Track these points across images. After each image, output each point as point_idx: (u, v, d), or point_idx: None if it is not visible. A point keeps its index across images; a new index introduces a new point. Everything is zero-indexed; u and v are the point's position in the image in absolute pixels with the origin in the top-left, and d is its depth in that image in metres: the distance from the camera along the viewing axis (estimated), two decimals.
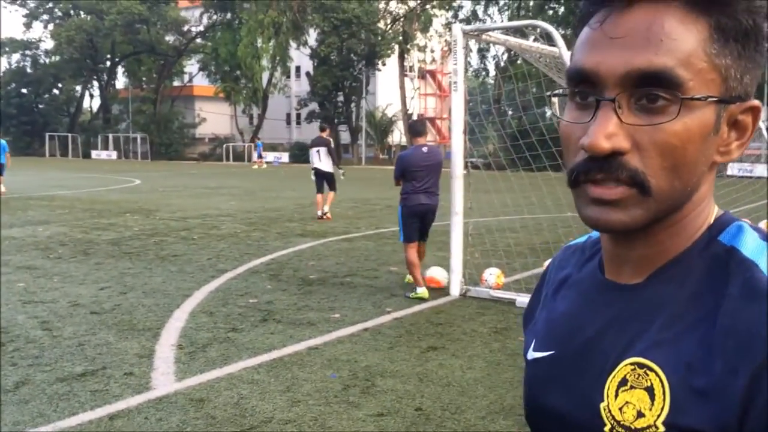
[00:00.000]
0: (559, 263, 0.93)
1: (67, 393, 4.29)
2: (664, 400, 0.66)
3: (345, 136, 56.36)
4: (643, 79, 0.66)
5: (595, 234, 0.89)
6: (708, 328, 0.66)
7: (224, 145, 59.83)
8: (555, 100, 0.79)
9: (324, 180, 13.88)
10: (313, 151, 13.92)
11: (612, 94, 0.67)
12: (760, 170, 26.74)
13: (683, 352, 0.67)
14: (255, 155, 48.06)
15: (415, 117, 54.18)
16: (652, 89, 0.66)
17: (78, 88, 69.10)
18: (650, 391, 0.67)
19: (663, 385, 0.66)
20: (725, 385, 0.63)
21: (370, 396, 4.28)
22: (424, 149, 7.26)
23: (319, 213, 13.96)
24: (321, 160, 13.75)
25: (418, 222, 7.22)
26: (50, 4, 63.89)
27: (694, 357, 0.66)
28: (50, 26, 64.96)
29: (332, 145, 14.21)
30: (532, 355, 0.85)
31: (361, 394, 4.32)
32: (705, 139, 0.68)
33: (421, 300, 6.88)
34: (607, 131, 0.66)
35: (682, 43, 0.66)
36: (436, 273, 7.48)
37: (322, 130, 14.55)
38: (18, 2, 64.07)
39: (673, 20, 0.67)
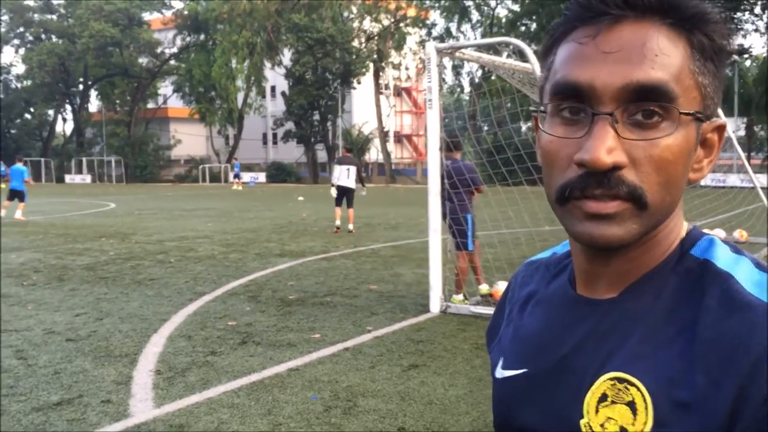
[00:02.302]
0: (522, 279, 0.92)
1: (43, 423, 4.20)
2: (646, 414, 0.65)
3: (322, 155, 56.41)
4: (641, 93, 0.66)
5: (559, 249, 0.89)
6: (687, 341, 0.66)
7: (200, 167, 59.58)
8: (537, 115, 0.78)
9: (345, 196, 14.71)
10: (343, 168, 14.65)
11: (608, 108, 0.67)
12: (732, 180, 27.19)
13: (663, 365, 0.66)
14: (231, 176, 48.13)
15: (391, 134, 54.49)
16: (649, 103, 0.67)
17: (50, 112, 68.45)
18: (632, 405, 0.66)
19: (645, 399, 0.66)
20: (709, 398, 0.63)
21: (353, 417, 4.25)
22: (447, 162, 7.56)
23: (338, 223, 14.86)
24: (349, 178, 14.59)
25: (453, 232, 7.63)
26: (21, 29, 63.39)
27: (675, 370, 0.65)
28: (21, 50, 64.44)
29: (361, 166, 15.54)
30: (501, 373, 0.84)
31: (343, 414, 4.28)
32: (690, 156, 0.70)
33: (403, 315, 6.86)
34: (607, 146, 0.66)
35: (674, 59, 0.67)
36: (502, 287, 7.49)
37: (348, 150, 16.19)
38: None
39: (664, 37, 0.67)
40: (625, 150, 0.67)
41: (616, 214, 0.68)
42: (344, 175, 14.55)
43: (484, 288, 7.62)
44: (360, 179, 14.87)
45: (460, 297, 7.42)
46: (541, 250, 0.95)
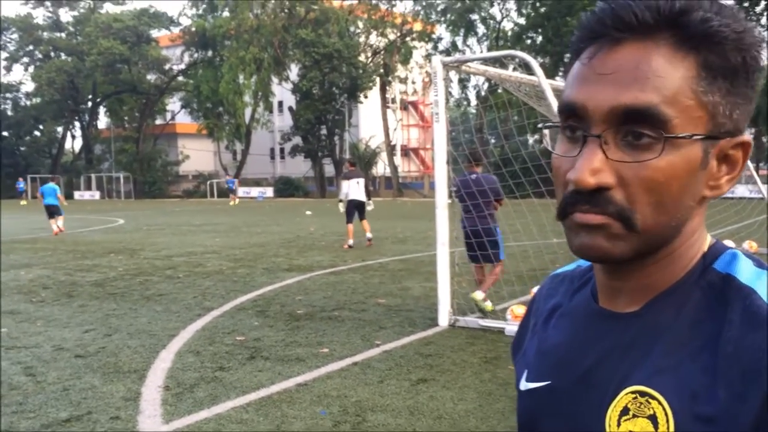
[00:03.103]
0: (547, 292, 0.92)
1: None
2: (668, 428, 0.65)
3: (329, 169, 56.55)
4: (629, 116, 0.67)
5: (583, 263, 0.89)
6: (710, 356, 0.66)
7: (208, 182, 59.81)
8: (546, 131, 0.79)
9: (357, 210, 14.74)
10: (353, 182, 14.70)
11: (598, 130, 0.68)
12: (740, 191, 27.02)
13: (685, 379, 0.66)
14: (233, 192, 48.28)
15: (398, 148, 54.60)
16: (636, 126, 0.67)
17: (59, 129, 68.99)
18: (653, 419, 0.66)
19: (666, 413, 0.66)
20: (732, 412, 0.63)
21: (361, 431, 4.23)
22: (471, 177, 7.70)
23: (351, 242, 14.78)
24: (360, 191, 14.64)
25: (470, 243, 7.71)
26: (30, 47, 64.02)
27: (698, 384, 0.65)
28: (31, 68, 65.04)
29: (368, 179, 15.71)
30: (525, 386, 0.84)
31: (352, 429, 4.26)
32: (692, 175, 0.69)
33: (411, 329, 6.84)
34: (592, 167, 0.67)
35: (669, 80, 0.67)
36: (519, 311, 7.28)
37: (353, 164, 16.05)
38: None
39: (661, 58, 0.67)
40: (615, 171, 0.67)
41: (603, 225, 0.68)
42: (355, 189, 14.61)
43: (477, 295, 7.54)
44: (367, 192, 14.90)
45: (481, 296, 7.49)
46: (549, 264, 0.95)
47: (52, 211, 20.46)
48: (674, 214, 0.70)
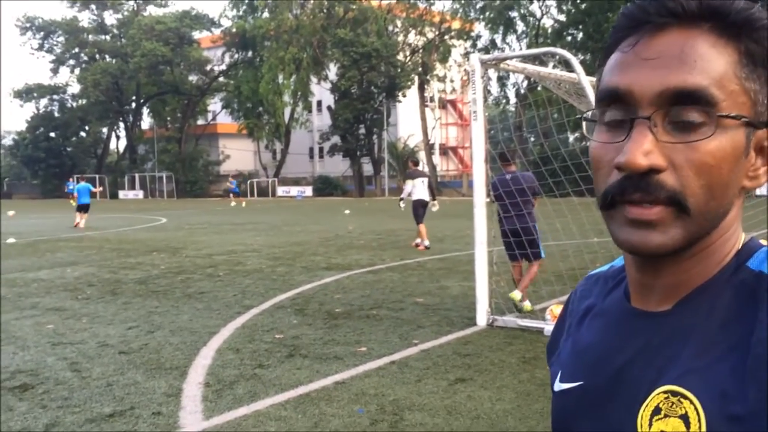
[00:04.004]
0: (581, 292, 0.92)
1: None
2: (699, 428, 0.65)
3: (368, 168, 56.70)
4: (678, 97, 0.67)
5: (617, 263, 0.89)
6: (740, 355, 0.65)
7: (248, 181, 60.47)
8: (584, 123, 0.79)
9: (424, 210, 14.30)
10: (418, 182, 14.36)
11: (647, 112, 0.68)
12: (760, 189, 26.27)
13: (717, 379, 0.66)
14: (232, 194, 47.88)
15: (437, 147, 54.49)
16: (687, 107, 0.67)
17: (104, 129, 70.53)
18: (685, 419, 0.66)
19: (698, 413, 0.65)
20: (762, 411, 0.62)
21: (399, 430, 4.23)
22: (507, 176, 7.71)
23: (427, 243, 14.21)
24: (424, 191, 14.28)
25: (509, 242, 7.73)
26: (76, 49, 65.56)
27: (728, 384, 0.65)
28: (77, 71, 66.65)
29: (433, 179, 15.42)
30: (559, 386, 0.85)
31: (390, 428, 4.27)
32: (737, 161, 0.68)
33: (449, 329, 6.82)
34: (644, 148, 0.66)
35: (715, 64, 0.67)
36: (559, 311, 7.33)
37: (416, 163, 15.30)
38: (45, 48, 65.89)
39: (705, 44, 0.68)
40: (665, 154, 0.67)
41: (658, 221, 0.68)
42: (420, 189, 14.19)
43: (516, 295, 7.51)
44: (431, 192, 14.36)
45: (519, 295, 7.48)
46: (589, 263, 0.95)
47: (84, 209, 23.19)
48: (722, 200, 0.69)
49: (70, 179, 50.64)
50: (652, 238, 0.68)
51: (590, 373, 0.80)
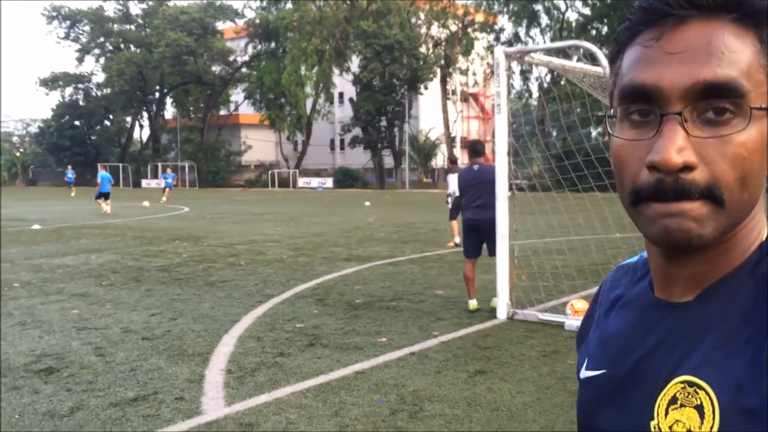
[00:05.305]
0: (611, 283, 0.92)
1: (120, 418, 4.36)
2: (713, 418, 0.65)
3: (388, 161, 56.67)
4: (709, 91, 0.66)
5: (646, 253, 0.89)
6: (758, 348, 0.65)
7: (269, 172, 60.73)
8: (606, 120, 0.78)
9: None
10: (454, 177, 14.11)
11: (677, 108, 0.67)
12: None
13: (733, 371, 0.66)
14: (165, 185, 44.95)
15: (458, 140, 54.34)
16: (719, 100, 0.66)
17: (128, 119, 71.15)
18: (700, 409, 0.66)
19: (713, 404, 0.66)
20: None
21: (419, 421, 4.25)
22: (475, 167, 7.61)
23: (457, 240, 13.72)
24: None
25: (473, 236, 7.56)
26: (101, 39, 66.11)
27: (744, 376, 0.65)
28: (101, 60, 67.22)
29: None
30: (584, 374, 0.85)
31: (410, 418, 4.29)
32: (765, 152, 0.68)
33: (469, 321, 6.83)
34: (677, 145, 0.66)
35: (741, 55, 0.66)
36: (580, 306, 6.98)
37: (453, 161, 15.01)
38: (71, 37, 66.54)
39: (730, 34, 0.67)
40: (697, 149, 0.66)
41: (694, 216, 0.67)
42: (454, 184, 14.08)
43: (494, 302, 7.33)
44: None
45: (473, 302, 7.47)
46: (611, 258, 0.95)
47: (105, 197, 24.67)
48: (755, 191, 0.69)
49: (69, 167, 47.11)
50: (689, 232, 0.68)
51: (614, 362, 0.80)
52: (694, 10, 0.68)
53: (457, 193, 13.95)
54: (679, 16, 0.68)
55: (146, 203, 23.30)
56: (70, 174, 45.07)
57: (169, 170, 36.63)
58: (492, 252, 7.47)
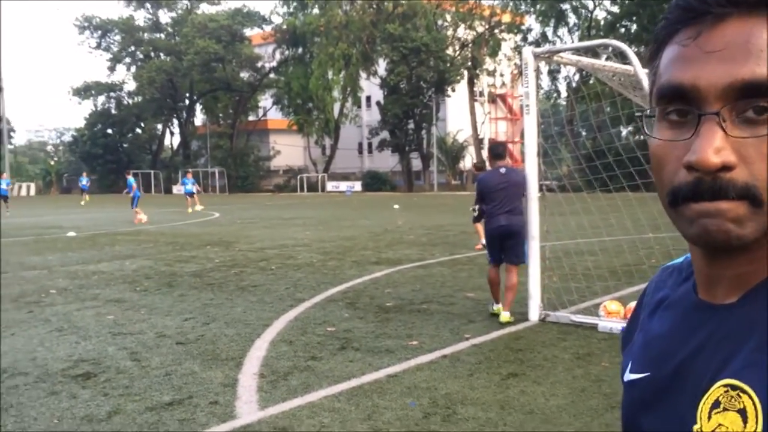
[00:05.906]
0: (656, 285, 0.92)
1: (156, 422, 4.41)
2: (756, 422, 0.64)
3: (416, 163, 56.62)
4: (747, 90, 0.65)
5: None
6: None
7: (298, 176, 61.06)
8: (643, 120, 0.78)
9: None
10: None
11: (714, 107, 0.66)
12: None
13: None
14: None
15: (486, 142, 54.11)
16: (759, 100, 0.65)
17: (159, 126, 72.06)
18: (743, 413, 0.65)
19: (756, 408, 0.64)
20: None
21: (452, 424, 4.24)
22: (502, 170, 7.32)
23: (484, 242, 13.90)
24: None
25: (498, 243, 7.25)
26: (132, 48, 67.08)
27: None
28: (132, 68, 68.17)
29: None
30: (628, 377, 0.85)
31: (443, 422, 4.28)
32: None
33: (501, 324, 6.79)
34: (715, 145, 0.65)
35: None
36: (613, 307, 6.89)
37: (479, 168, 14.50)
38: (102, 47, 67.63)
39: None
40: (735, 149, 0.65)
41: (734, 217, 0.66)
42: None
43: (505, 315, 7.05)
44: None
45: (497, 306, 7.28)
46: (645, 259, 0.94)
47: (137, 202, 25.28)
48: None
49: (84, 174, 47.95)
50: (728, 232, 0.67)
51: (657, 365, 0.79)
52: (733, 8, 0.67)
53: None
54: (716, 14, 0.67)
55: (144, 217, 23.20)
56: (84, 181, 45.68)
57: (189, 174, 32.36)
58: (512, 260, 7.21)
